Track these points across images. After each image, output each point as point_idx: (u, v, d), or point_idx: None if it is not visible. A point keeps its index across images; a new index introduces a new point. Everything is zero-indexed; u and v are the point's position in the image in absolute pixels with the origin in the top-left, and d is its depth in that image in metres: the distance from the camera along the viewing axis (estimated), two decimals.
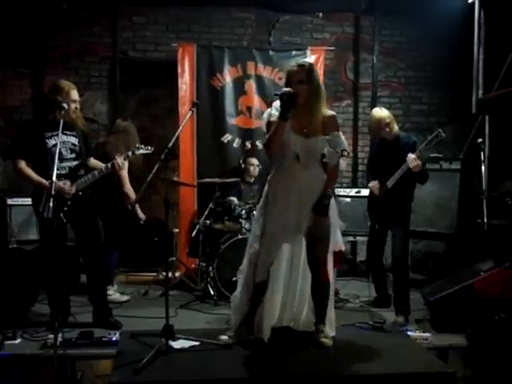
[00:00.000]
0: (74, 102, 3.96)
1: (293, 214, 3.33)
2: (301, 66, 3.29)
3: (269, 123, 3.37)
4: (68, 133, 3.95)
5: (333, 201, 3.48)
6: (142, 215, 5.12)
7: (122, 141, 4.86)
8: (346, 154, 3.38)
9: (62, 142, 3.90)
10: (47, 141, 3.85)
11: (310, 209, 3.34)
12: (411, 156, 4.11)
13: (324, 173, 3.42)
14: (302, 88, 3.23)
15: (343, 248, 3.64)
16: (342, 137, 3.40)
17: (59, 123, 3.60)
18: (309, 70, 3.29)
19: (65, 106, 3.75)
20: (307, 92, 3.26)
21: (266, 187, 3.50)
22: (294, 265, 3.58)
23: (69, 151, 3.95)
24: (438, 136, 4.10)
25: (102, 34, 6.38)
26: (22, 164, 3.86)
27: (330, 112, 3.41)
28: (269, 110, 3.44)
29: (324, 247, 3.43)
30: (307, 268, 3.50)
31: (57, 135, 3.70)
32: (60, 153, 3.84)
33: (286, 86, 3.28)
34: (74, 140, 3.99)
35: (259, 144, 5.80)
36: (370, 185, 4.45)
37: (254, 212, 4.20)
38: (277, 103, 3.35)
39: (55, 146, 3.72)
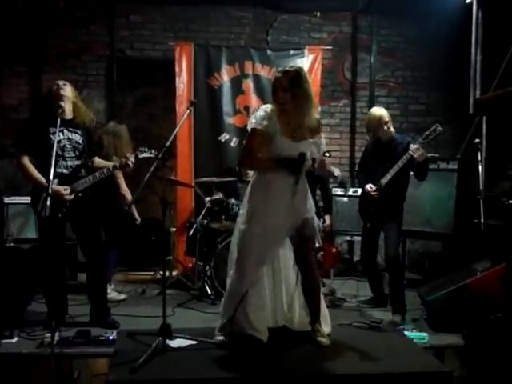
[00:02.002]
0: (68, 98, 3.87)
1: (282, 222, 3.30)
2: (285, 72, 3.21)
3: (254, 132, 3.26)
4: (72, 130, 3.92)
5: (311, 200, 3.49)
6: (137, 217, 5.12)
7: (113, 144, 4.85)
8: (327, 155, 3.44)
9: (67, 138, 3.88)
10: (51, 136, 3.77)
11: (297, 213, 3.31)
12: (414, 146, 4.10)
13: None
14: (286, 96, 3.19)
15: (318, 245, 3.66)
16: (323, 140, 3.47)
17: (63, 120, 3.60)
18: (292, 76, 3.19)
19: (62, 104, 3.74)
20: (292, 99, 3.20)
21: (248, 191, 3.42)
22: (275, 266, 3.53)
23: (72, 150, 3.91)
24: (436, 130, 4.09)
25: (100, 33, 6.39)
26: (25, 159, 3.81)
27: (316, 116, 3.40)
28: (253, 117, 3.32)
29: (311, 246, 3.46)
30: (289, 269, 3.49)
31: (61, 131, 3.70)
32: (63, 150, 3.83)
33: (273, 91, 3.28)
34: (79, 138, 3.95)
35: None
36: (367, 187, 4.43)
37: None
38: (265, 106, 3.34)
39: (59, 142, 3.71)
